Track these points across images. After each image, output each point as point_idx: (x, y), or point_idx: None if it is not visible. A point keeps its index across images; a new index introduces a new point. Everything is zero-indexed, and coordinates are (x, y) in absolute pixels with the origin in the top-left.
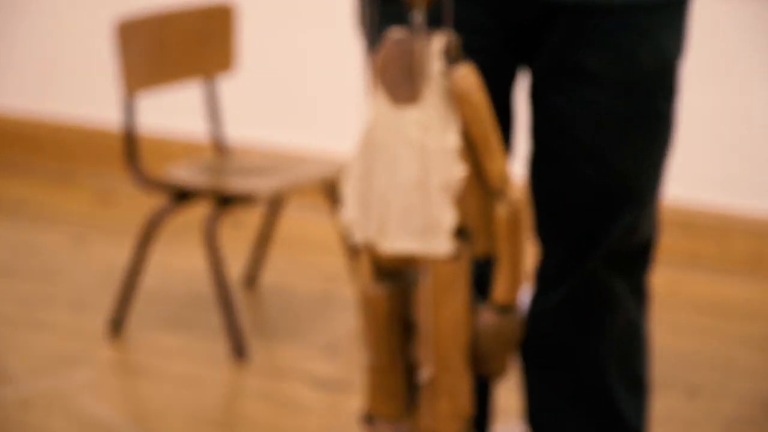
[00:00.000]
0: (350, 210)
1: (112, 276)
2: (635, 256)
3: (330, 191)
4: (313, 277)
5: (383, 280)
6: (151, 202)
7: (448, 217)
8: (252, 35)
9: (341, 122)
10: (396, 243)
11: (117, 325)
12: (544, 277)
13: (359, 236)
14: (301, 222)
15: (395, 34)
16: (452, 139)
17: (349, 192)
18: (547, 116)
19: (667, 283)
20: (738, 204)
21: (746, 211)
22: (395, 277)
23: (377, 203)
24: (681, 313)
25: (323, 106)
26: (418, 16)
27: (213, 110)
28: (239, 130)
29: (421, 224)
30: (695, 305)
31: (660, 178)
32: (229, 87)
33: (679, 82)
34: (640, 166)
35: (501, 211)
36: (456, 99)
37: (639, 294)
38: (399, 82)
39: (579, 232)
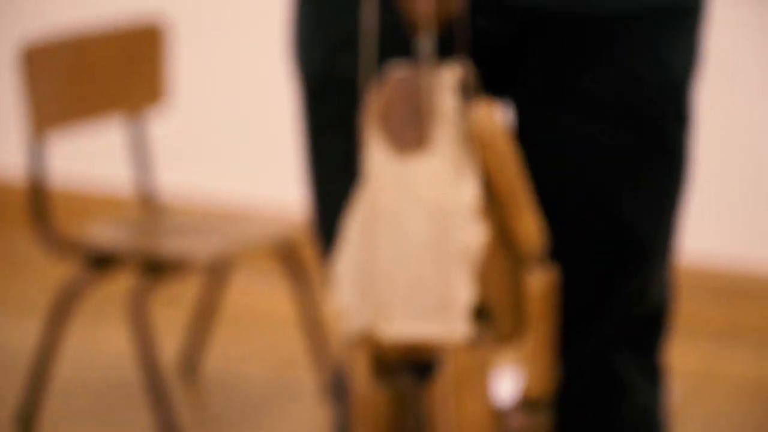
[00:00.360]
0: (346, 293)
1: (19, 362)
2: (645, 326)
3: (285, 255)
4: (266, 363)
5: (384, 379)
6: (64, 271)
7: (465, 292)
8: (187, 61)
9: (298, 166)
10: (402, 326)
11: (26, 420)
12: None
13: (357, 324)
14: (250, 294)
15: (398, 70)
16: (471, 193)
17: (344, 270)
18: (536, 157)
19: (702, 362)
20: None
21: None
22: (399, 374)
23: (381, 280)
24: (719, 399)
25: (276, 148)
26: (427, 42)
27: (139, 154)
28: (172, 179)
29: (433, 301)
30: (737, 388)
31: (673, 227)
32: (159, 125)
33: (693, 107)
34: (651, 212)
35: (534, 282)
36: (476, 144)
37: (652, 372)
38: (404, 126)
39: (578, 299)
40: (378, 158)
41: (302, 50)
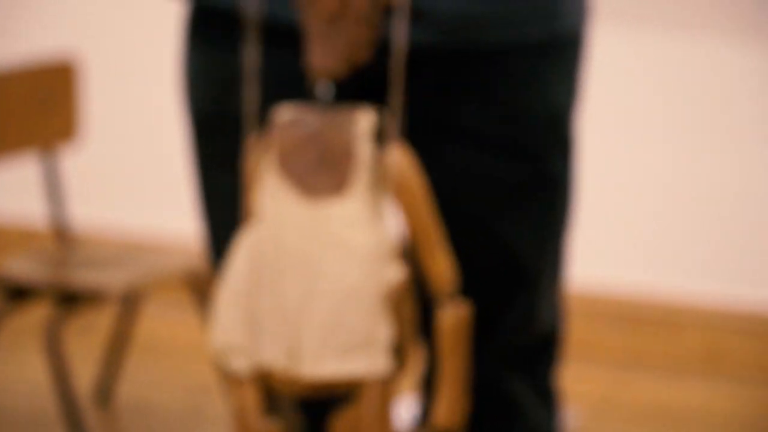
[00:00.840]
0: (228, 332)
1: None
2: (537, 351)
3: (196, 286)
4: (179, 389)
5: (274, 415)
6: None
7: (384, 329)
8: (99, 98)
9: None
10: (319, 366)
11: None
12: (432, 385)
13: (243, 363)
14: (163, 323)
15: (291, 112)
16: (388, 234)
17: (226, 310)
18: None
19: (605, 388)
20: (688, 289)
21: (697, 297)
22: (287, 410)
23: (282, 321)
24: (620, 425)
25: (185, 182)
26: (325, 87)
27: (53, 188)
28: (85, 212)
29: (355, 339)
30: (638, 414)
31: (560, 254)
32: (71, 160)
33: (575, 137)
34: (534, 240)
35: (445, 318)
36: (393, 187)
37: (545, 396)
38: (311, 171)
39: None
40: (278, 200)
41: (190, 87)
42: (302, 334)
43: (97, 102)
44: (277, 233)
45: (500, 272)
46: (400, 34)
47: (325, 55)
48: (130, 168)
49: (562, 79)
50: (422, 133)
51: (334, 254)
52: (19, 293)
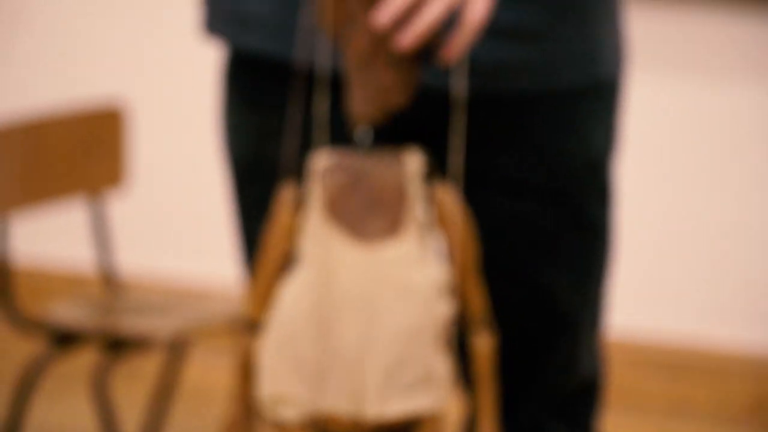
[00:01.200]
0: (278, 382)
1: None
2: (577, 398)
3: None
4: None
5: None
6: (27, 348)
7: (443, 363)
8: (147, 144)
9: None
10: (385, 406)
11: None
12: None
13: (293, 411)
14: (209, 370)
15: (331, 158)
16: (440, 271)
17: (274, 359)
18: None
19: None
20: (735, 338)
21: (744, 344)
22: None
23: (342, 366)
24: None
25: (231, 228)
26: (365, 134)
27: (100, 234)
28: (133, 259)
29: (414, 377)
30: None
31: (599, 301)
32: (119, 206)
33: (613, 183)
34: (573, 286)
35: (483, 344)
36: (442, 225)
37: None
38: (362, 215)
39: (509, 370)
40: (326, 245)
41: (229, 135)
42: (366, 376)
43: (144, 148)
44: (329, 279)
45: (540, 318)
46: (459, 84)
47: (362, 102)
48: (175, 214)
49: (599, 125)
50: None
51: (392, 295)
52: (67, 338)
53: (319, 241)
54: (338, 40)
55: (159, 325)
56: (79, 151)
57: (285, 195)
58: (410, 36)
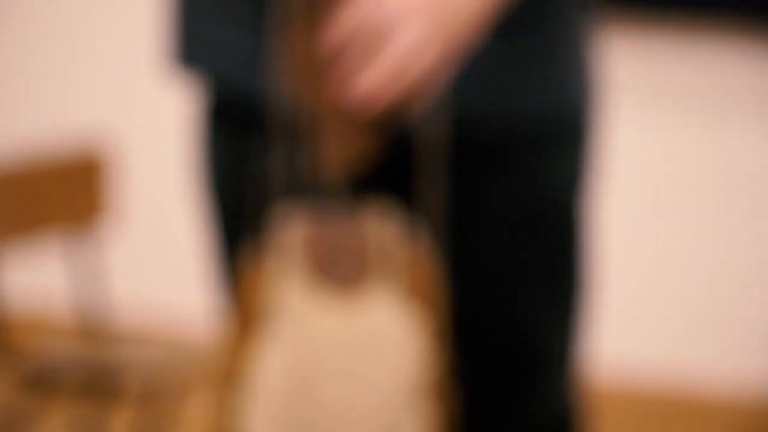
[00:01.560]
0: None
1: None
2: None
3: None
4: None
5: None
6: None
7: (417, 426)
8: (136, 183)
9: None
10: None
11: None
12: None
13: None
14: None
15: (312, 216)
16: (413, 336)
17: (261, 423)
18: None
19: None
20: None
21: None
22: None
23: (321, 425)
24: None
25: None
26: (341, 183)
27: (78, 273)
28: (125, 298)
29: None
30: None
31: (570, 343)
32: (107, 245)
33: (585, 223)
34: (542, 327)
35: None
36: (415, 291)
37: None
38: (336, 265)
39: (484, 410)
40: (309, 301)
41: (208, 177)
42: None
43: (135, 188)
44: (309, 345)
45: (514, 354)
46: (429, 129)
47: (338, 151)
48: (170, 252)
49: (565, 169)
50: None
51: (369, 363)
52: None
53: (297, 301)
54: (304, 90)
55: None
56: (64, 188)
57: (251, 249)
58: (359, 94)
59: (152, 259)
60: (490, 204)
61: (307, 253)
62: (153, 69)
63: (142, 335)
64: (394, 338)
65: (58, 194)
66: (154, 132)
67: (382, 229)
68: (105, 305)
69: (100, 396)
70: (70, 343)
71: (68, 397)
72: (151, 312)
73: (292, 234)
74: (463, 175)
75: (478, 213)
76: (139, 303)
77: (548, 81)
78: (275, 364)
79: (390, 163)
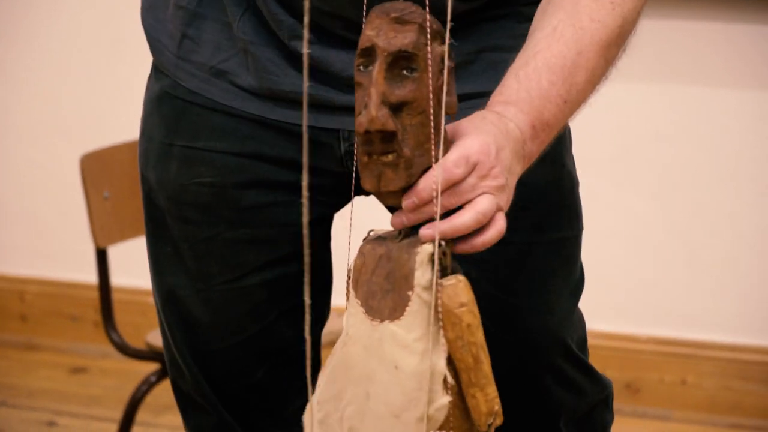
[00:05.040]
0: None
1: None
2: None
3: None
4: None
5: None
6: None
7: None
8: None
9: None
10: None
11: None
12: None
13: None
14: None
15: (374, 240)
16: (435, 362)
17: (310, 422)
18: None
19: None
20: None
21: None
22: None
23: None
24: None
25: None
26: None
27: None
28: None
29: None
30: None
31: (570, 323)
32: None
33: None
34: (542, 305)
35: None
36: (443, 317)
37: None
38: (376, 292)
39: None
40: (354, 317)
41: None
42: None
43: None
44: (349, 346)
45: (534, 337)
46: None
47: (381, 183)
48: None
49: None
50: None
51: (383, 373)
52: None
53: (352, 311)
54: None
55: None
56: None
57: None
58: (431, 233)
59: None
60: None
61: (359, 273)
62: None
63: None
64: (411, 357)
65: None
66: None
67: (419, 259)
68: None
69: None
70: None
71: None
72: None
73: (357, 259)
74: None
75: None
76: None
77: None
78: (327, 375)
79: None
